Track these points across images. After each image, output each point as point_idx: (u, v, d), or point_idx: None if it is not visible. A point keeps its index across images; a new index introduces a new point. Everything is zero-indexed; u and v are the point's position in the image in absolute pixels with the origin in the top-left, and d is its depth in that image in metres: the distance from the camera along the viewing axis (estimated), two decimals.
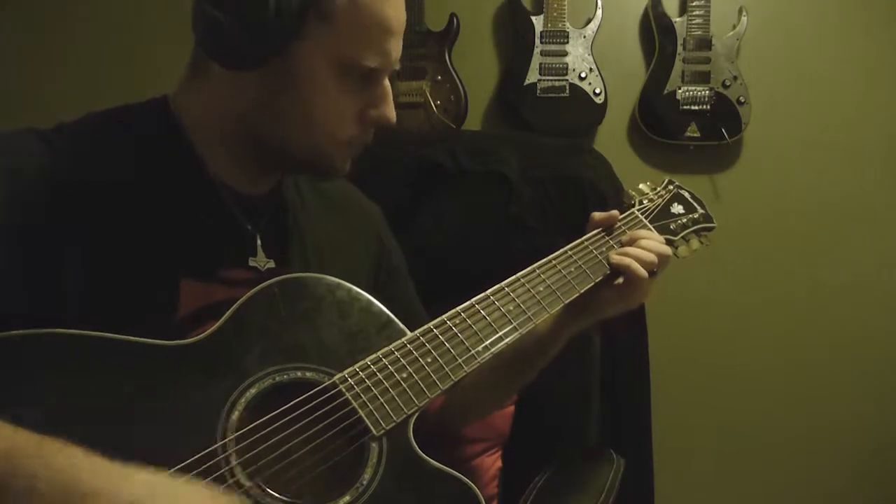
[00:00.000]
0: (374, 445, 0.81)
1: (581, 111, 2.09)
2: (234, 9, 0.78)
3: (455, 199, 1.56)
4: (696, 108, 2.09)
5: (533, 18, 2.09)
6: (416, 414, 0.84)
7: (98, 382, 0.74)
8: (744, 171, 2.19)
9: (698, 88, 2.09)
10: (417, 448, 0.83)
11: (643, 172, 2.17)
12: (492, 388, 1.10)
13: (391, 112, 0.89)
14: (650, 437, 1.67)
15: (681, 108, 2.09)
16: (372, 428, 0.81)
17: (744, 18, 2.10)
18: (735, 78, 2.09)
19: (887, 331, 2.22)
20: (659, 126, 2.12)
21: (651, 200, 1.14)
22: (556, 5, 2.07)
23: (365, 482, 0.80)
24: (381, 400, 0.82)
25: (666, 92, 2.09)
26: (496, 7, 2.17)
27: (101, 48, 2.12)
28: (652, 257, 1.00)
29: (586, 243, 1.03)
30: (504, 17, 2.16)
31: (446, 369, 0.87)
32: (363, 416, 0.81)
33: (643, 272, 0.99)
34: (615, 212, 1.07)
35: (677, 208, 1.15)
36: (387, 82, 0.89)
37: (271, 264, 0.91)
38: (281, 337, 0.83)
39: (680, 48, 2.09)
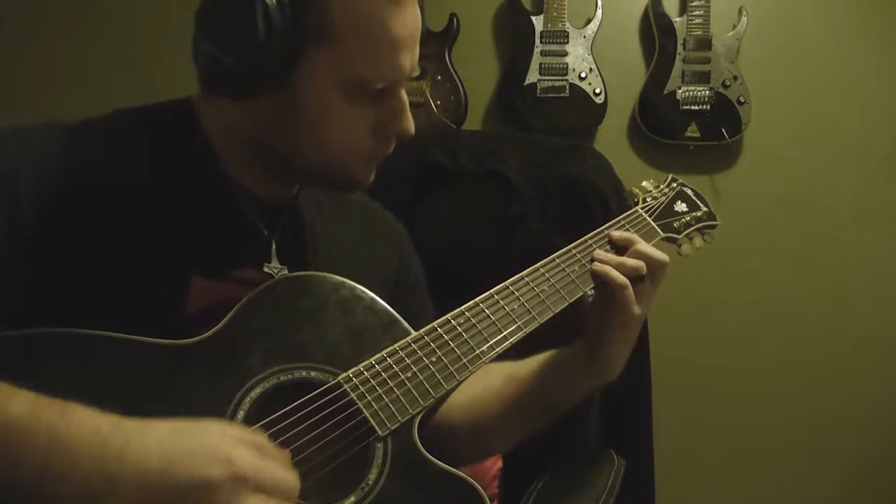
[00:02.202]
0: (379, 446, 0.81)
1: (581, 111, 2.10)
2: (228, 43, 0.77)
3: (455, 199, 1.56)
4: (696, 108, 2.09)
5: (533, 18, 2.09)
6: (421, 414, 0.84)
7: (101, 382, 0.74)
8: (744, 171, 2.20)
9: (698, 88, 2.09)
10: (423, 448, 0.83)
11: (643, 172, 2.17)
12: (506, 421, 1.05)
13: (409, 124, 0.86)
14: (651, 438, 1.66)
15: (681, 108, 2.09)
16: (377, 428, 0.80)
17: (744, 18, 2.10)
18: (735, 78, 2.09)
19: (888, 330, 2.22)
20: (659, 126, 2.12)
21: (654, 198, 1.13)
22: (556, 5, 2.07)
23: (370, 482, 0.79)
24: (386, 400, 0.82)
25: (666, 92, 2.09)
26: (496, 7, 2.17)
27: (102, 48, 2.12)
28: (636, 263, 0.95)
29: (590, 241, 1.02)
30: (504, 17, 2.16)
31: (451, 369, 0.86)
32: (368, 416, 0.81)
33: (622, 279, 0.94)
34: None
35: (681, 206, 1.14)
36: (402, 94, 0.86)
37: (285, 270, 0.91)
38: (285, 336, 0.83)
39: (680, 48, 2.09)
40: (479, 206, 1.56)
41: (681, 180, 1.19)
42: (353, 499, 0.78)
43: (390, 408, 0.82)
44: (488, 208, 1.54)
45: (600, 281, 0.96)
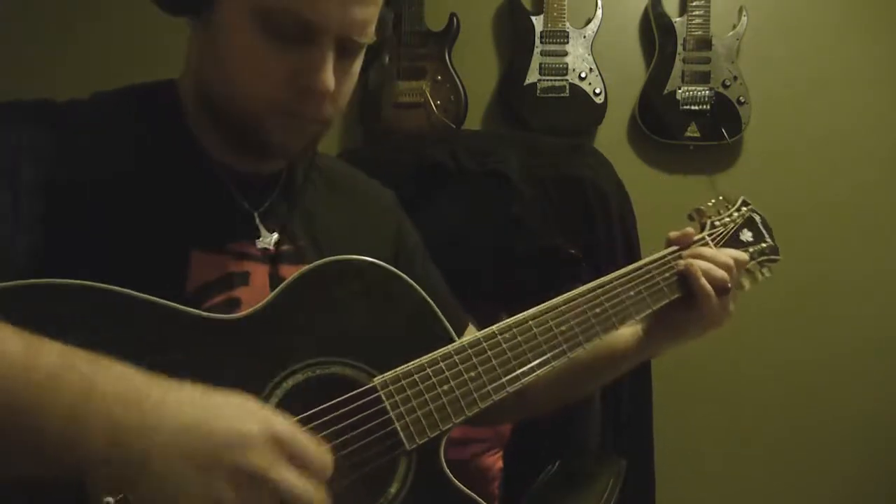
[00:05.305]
0: (405, 459, 0.79)
1: (581, 111, 2.09)
2: None
3: (455, 199, 1.56)
4: (696, 108, 2.09)
5: (533, 18, 2.09)
6: (451, 431, 0.82)
7: (142, 346, 0.71)
8: (744, 171, 2.19)
9: (698, 88, 2.09)
10: (447, 469, 0.81)
11: (643, 172, 2.17)
12: (548, 391, 1.05)
13: (321, 80, 0.80)
14: (651, 438, 1.66)
15: (681, 108, 2.09)
16: (405, 441, 0.78)
17: (744, 18, 2.10)
18: (735, 78, 2.09)
19: (888, 330, 2.22)
20: (659, 126, 2.12)
21: (724, 224, 1.10)
22: (556, 5, 2.07)
23: (391, 496, 0.78)
24: (419, 413, 0.79)
25: (666, 92, 2.09)
26: (496, 7, 2.17)
27: (102, 45, 2.12)
28: (721, 273, 0.99)
29: (650, 267, 1.00)
30: (504, 17, 2.16)
31: (488, 387, 0.84)
32: (398, 428, 0.78)
33: (709, 289, 0.98)
34: (690, 230, 1.05)
35: (746, 235, 1.11)
36: (327, 49, 0.80)
37: (275, 237, 0.89)
38: (325, 325, 0.80)
39: (680, 48, 2.09)
40: (480, 206, 1.56)
41: (751, 205, 1.15)
42: None
43: (422, 422, 0.79)
44: (489, 208, 1.55)
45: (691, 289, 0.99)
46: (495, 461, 1.38)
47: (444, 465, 0.81)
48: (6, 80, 2.01)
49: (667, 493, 1.81)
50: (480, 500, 0.82)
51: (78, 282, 0.70)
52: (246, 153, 0.89)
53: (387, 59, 2.03)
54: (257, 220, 0.90)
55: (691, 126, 2.10)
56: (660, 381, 1.69)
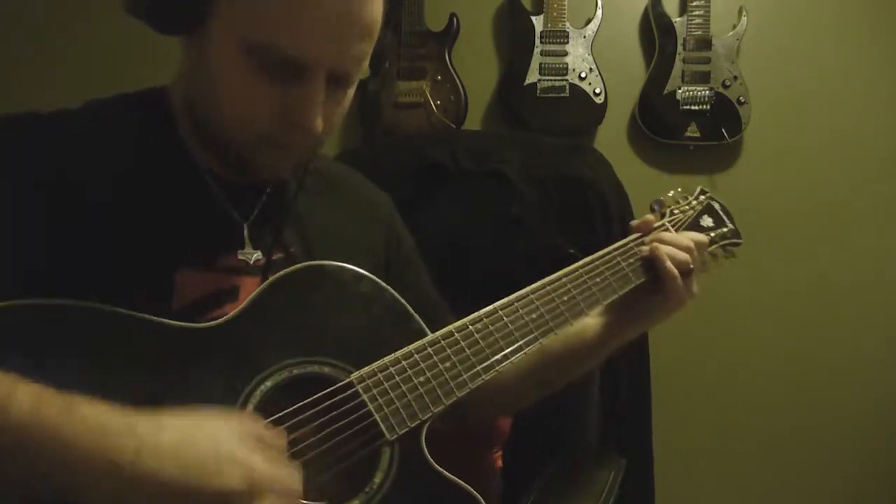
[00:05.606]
0: (387, 450, 0.81)
1: (581, 111, 2.10)
2: None
3: (455, 199, 1.56)
4: (696, 108, 2.09)
5: (533, 18, 2.09)
6: (431, 420, 0.83)
7: (119, 359, 0.73)
8: (744, 171, 2.20)
9: (698, 88, 2.09)
10: (429, 456, 0.82)
11: (643, 172, 2.18)
12: (523, 386, 1.07)
13: (309, 117, 0.79)
14: (651, 437, 1.66)
15: (681, 108, 2.09)
16: (386, 432, 0.80)
17: (744, 18, 2.10)
18: (735, 78, 2.09)
19: (887, 330, 2.22)
20: (659, 126, 2.12)
21: (683, 212, 1.11)
22: (556, 5, 2.07)
23: (375, 486, 0.79)
24: (398, 404, 0.81)
25: (666, 92, 2.09)
26: (496, 7, 2.17)
27: (102, 46, 2.12)
28: (683, 256, 1.00)
29: (615, 254, 1.02)
30: (504, 17, 2.16)
31: (464, 376, 0.85)
32: (378, 419, 0.80)
33: (674, 272, 0.98)
34: (650, 217, 1.07)
35: (707, 221, 1.13)
36: (317, 86, 0.78)
37: (258, 255, 0.89)
38: (300, 328, 0.82)
39: (680, 48, 2.09)
40: (480, 206, 1.56)
41: (709, 193, 1.18)
42: (356, 503, 0.78)
43: (401, 413, 0.81)
44: (488, 208, 1.55)
45: (656, 271, 0.99)
46: (495, 459, 1.38)
47: (427, 453, 0.83)
48: (6, 80, 2.02)
49: (666, 491, 1.81)
50: (464, 484, 0.83)
51: (56, 301, 0.71)
52: (233, 172, 0.88)
53: (387, 60, 2.04)
54: (245, 233, 0.90)
55: (691, 126, 2.10)
56: (659, 380, 1.69)
